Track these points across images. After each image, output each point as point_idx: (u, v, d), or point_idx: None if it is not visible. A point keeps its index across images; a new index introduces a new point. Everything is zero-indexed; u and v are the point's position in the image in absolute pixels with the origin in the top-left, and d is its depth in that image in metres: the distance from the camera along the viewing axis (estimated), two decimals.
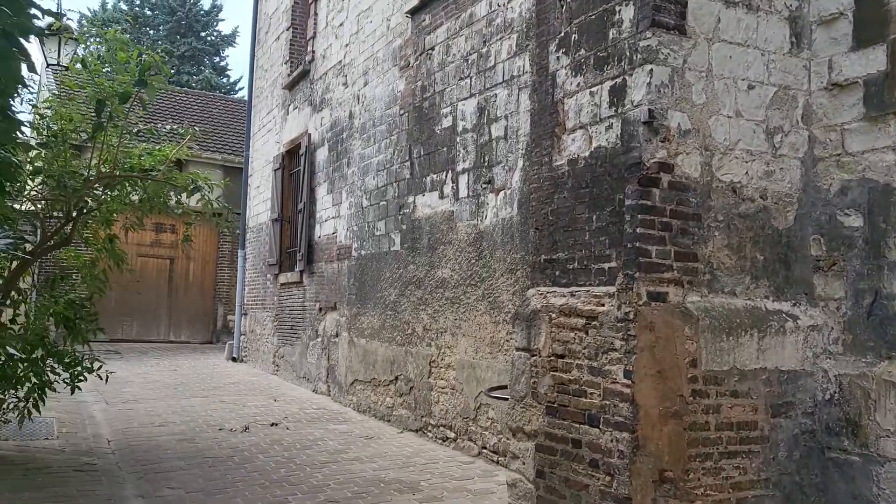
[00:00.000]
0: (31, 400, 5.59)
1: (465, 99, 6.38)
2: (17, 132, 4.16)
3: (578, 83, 4.04)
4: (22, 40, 3.31)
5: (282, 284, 11.12)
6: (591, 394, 3.64)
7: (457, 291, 6.29)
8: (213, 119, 19.65)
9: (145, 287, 17.23)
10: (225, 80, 31.76)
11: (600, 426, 3.56)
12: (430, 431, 6.61)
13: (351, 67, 8.95)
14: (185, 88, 24.21)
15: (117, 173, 5.97)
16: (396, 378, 7.28)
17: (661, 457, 3.40)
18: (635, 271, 3.51)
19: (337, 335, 8.88)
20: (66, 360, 5.59)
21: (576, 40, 4.07)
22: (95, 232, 6.32)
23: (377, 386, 7.69)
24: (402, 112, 7.53)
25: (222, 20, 38.34)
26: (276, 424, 7.16)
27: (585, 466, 3.63)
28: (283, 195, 11.33)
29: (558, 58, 4.21)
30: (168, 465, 5.50)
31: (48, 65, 9.45)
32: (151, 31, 30.87)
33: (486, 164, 6.03)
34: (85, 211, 5.85)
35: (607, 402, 3.53)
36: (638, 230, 3.53)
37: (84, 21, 29.29)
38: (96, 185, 5.86)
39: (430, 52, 7.00)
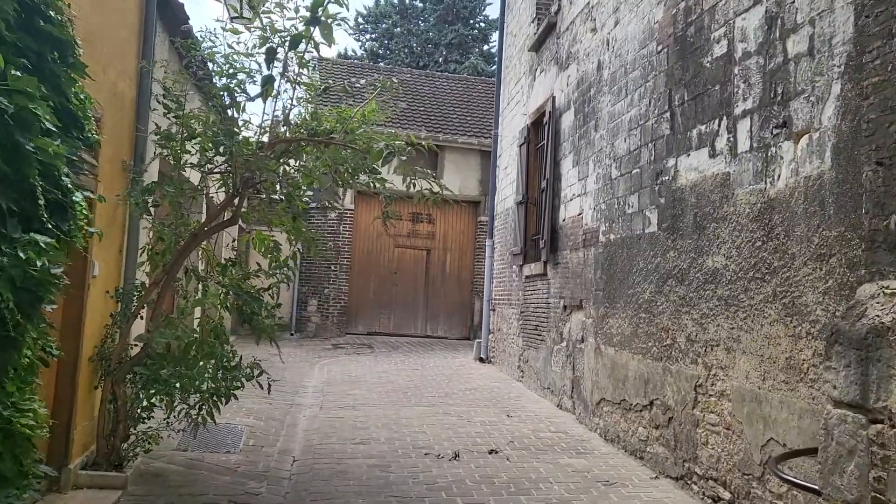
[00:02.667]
0: (203, 408, 4.89)
1: (746, 11, 4.50)
2: None
3: None
4: None
5: (526, 277, 9.83)
6: None
7: (734, 288, 4.45)
8: (472, 103, 19.05)
9: (402, 279, 17.10)
10: (493, 66, 31.42)
11: None
12: (694, 483, 4.84)
13: (599, 8, 7.34)
14: (446, 73, 24.05)
15: (291, 136, 5.03)
16: (651, 403, 5.58)
17: None
18: None
19: (582, 340, 7.35)
20: (225, 364, 4.76)
21: None
22: (283, 210, 5.46)
23: (627, 410, 6.04)
24: (659, 48, 5.78)
25: (489, 3, 38.16)
26: (496, 452, 5.85)
27: None
28: (528, 173, 10.02)
29: None
30: None
31: (231, 18, 8.97)
32: (421, 22, 31.54)
33: (777, 98, 4.13)
34: (257, 183, 4.99)
35: None
36: None
37: None
38: (268, 151, 4.96)
39: None
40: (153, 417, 5.06)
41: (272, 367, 11.14)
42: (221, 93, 5.02)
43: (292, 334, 16.36)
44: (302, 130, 5.09)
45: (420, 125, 17.20)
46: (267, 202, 5.50)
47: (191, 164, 5.25)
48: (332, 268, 16.50)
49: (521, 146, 10.35)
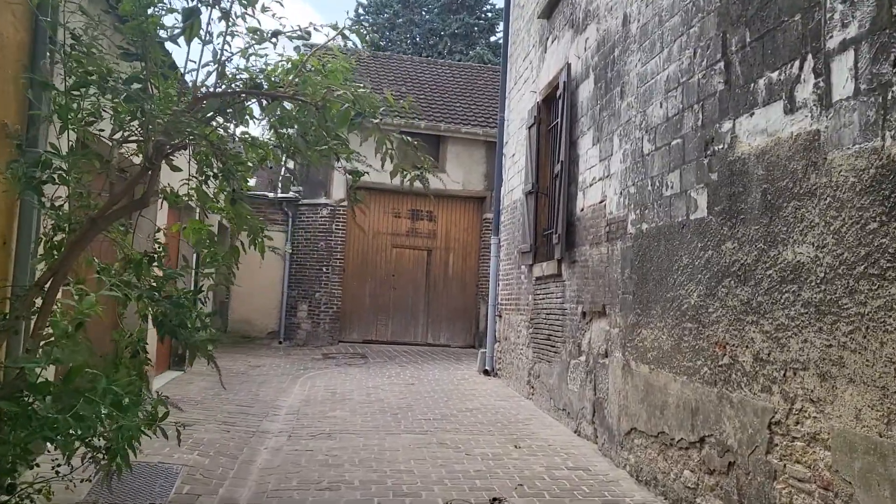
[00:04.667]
0: (108, 453, 3.68)
1: None
2: None
3: None
4: None
5: (537, 279, 8.60)
6: None
7: (831, 289, 3.22)
8: (477, 91, 17.85)
9: (401, 282, 15.92)
10: (500, 57, 30.20)
11: None
12: None
13: None
14: (449, 61, 22.83)
15: (222, 90, 3.83)
16: (702, 440, 4.35)
17: None
18: None
19: (606, 354, 6.12)
20: (120, 401, 3.53)
21: None
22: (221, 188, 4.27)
23: (668, 446, 4.81)
24: None
25: None
26: (500, 502, 4.62)
27: None
28: (539, 159, 8.79)
29: None
30: None
31: None
32: (424, 12, 30.35)
33: None
34: (169, 149, 3.77)
35: None
36: None
37: None
38: (194, 111, 3.76)
39: None
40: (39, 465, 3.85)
41: (247, 383, 10.01)
42: (132, 34, 3.81)
43: (280, 342, 15.19)
44: (237, 85, 3.90)
45: (419, 113, 15.97)
46: (202, 181, 4.30)
47: (99, 130, 4.05)
48: (324, 269, 15.30)
49: (530, 128, 9.12)
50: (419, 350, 14.93)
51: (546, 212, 8.50)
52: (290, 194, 15.51)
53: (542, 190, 8.66)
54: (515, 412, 7.94)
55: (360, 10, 31.45)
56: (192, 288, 4.33)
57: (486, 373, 11.01)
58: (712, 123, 4.43)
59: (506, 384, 10.03)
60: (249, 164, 4.54)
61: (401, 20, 30.00)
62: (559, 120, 7.83)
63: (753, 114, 3.97)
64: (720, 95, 4.35)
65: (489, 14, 30.54)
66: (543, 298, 8.32)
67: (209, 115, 3.95)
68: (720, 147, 4.31)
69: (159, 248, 4.27)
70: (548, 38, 8.82)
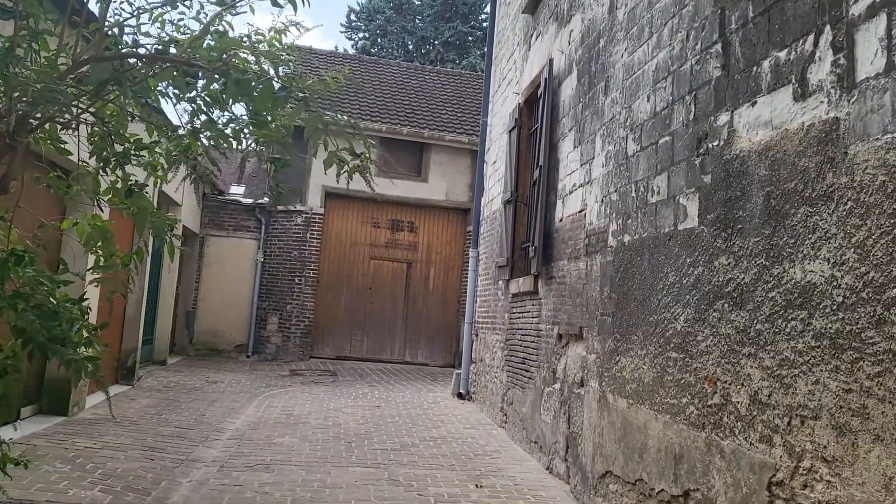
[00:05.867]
0: None
1: None
2: None
3: None
4: None
5: (513, 295, 7.92)
6: None
7: (849, 318, 2.54)
8: (465, 100, 17.22)
9: (379, 296, 15.21)
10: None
11: None
12: None
13: None
14: (437, 67, 22.22)
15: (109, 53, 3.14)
16: (686, 494, 3.65)
17: None
18: None
19: (582, 383, 5.44)
20: None
21: None
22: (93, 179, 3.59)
23: (646, 496, 4.11)
24: None
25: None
26: None
27: None
28: (519, 165, 8.13)
29: None
30: None
31: None
32: (418, 20, 29.82)
33: None
34: (35, 124, 3.08)
35: None
36: None
37: None
38: (66, 76, 3.07)
39: None
40: None
41: (197, 401, 9.20)
42: None
43: (248, 356, 14.46)
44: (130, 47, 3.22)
45: (402, 119, 15.35)
46: (99, 167, 3.61)
47: None
48: (297, 280, 14.59)
49: (510, 132, 8.47)
50: (395, 368, 14.20)
51: (524, 222, 7.83)
52: (263, 200, 14.81)
53: (521, 199, 7.99)
54: (484, 443, 7.23)
55: (353, 17, 30.92)
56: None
57: (459, 396, 10.29)
58: (706, 117, 3.77)
59: (479, 409, 9.32)
60: (158, 150, 3.87)
61: (393, 27, 29.45)
62: (540, 122, 7.17)
63: (756, 103, 3.31)
64: (716, 83, 3.69)
65: (483, 23, 30.02)
66: (519, 317, 7.63)
67: (98, 85, 3.27)
68: (715, 144, 3.65)
69: (39, 245, 3.57)
70: (532, 35, 8.19)
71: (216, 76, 3.02)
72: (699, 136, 3.83)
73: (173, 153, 3.99)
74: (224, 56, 3.03)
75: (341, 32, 31.87)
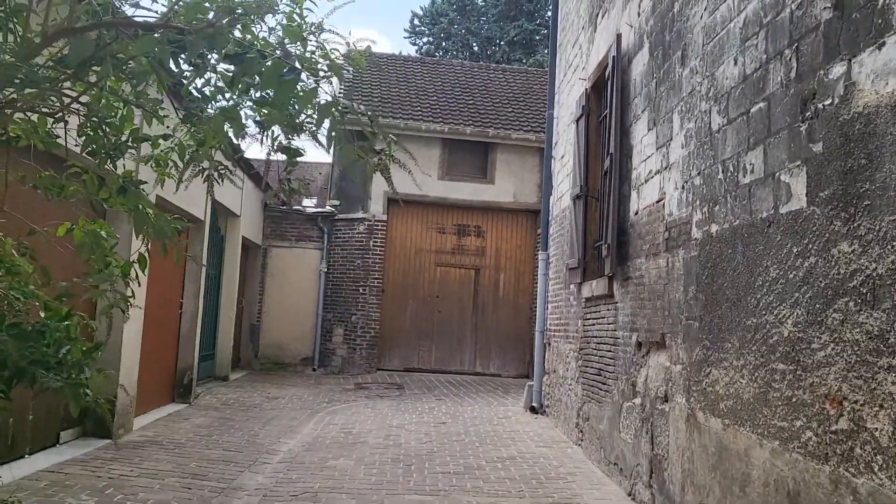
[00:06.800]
0: None
1: None
2: None
3: None
4: None
5: (586, 300, 7.23)
6: None
7: None
8: (532, 96, 16.52)
9: (446, 303, 14.65)
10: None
11: None
12: None
13: None
14: (503, 65, 21.60)
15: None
16: None
17: None
18: None
19: (666, 398, 4.74)
20: None
21: None
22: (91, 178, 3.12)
23: None
24: None
25: None
26: None
27: None
28: (588, 156, 7.44)
29: None
30: None
31: None
32: (483, 20, 29.29)
33: None
34: (10, 112, 2.62)
35: None
36: None
37: None
38: (33, 53, 2.61)
39: None
40: None
41: (252, 420, 8.78)
42: None
43: (314, 369, 14.11)
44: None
45: (466, 119, 14.81)
46: (93, 168, 3.15)
47: None
48: (361, 290, 14.17)
49: (577, 120, 7.80)
50: (465, 380, 13.60)
51: (596, 218, 7.15)
52: (326, 208, 14.48)
53: (591, 193, 7.31)
54: (558, 464, 6.56)
55: (416, 21, 30.63)
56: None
57: (532, 410, 9.62)
58: (813, 72, 3.06)
59: (553, 425, 8.64)
60: (167, 144, 3.40)
61: (457, 29, 29.01)
62: (609, 105, 6.49)
63: (884, 44, 2.60)
64: (826, 28, 2.98)
65: (548, 19, 29.31)
66: (594, 324, 6.94)
67: (79, 65, 2.80)
68: (827, 103, 2.94)
69: (24, 252, 3.12)
70: (597, 14, 7.51)
71: (203, 43, 2.49)
72: (804, 96, 3.12)
73: (188, 148, 3.52)
74: (210, 17, 2.50)
75: (405, 38, 31.62)
